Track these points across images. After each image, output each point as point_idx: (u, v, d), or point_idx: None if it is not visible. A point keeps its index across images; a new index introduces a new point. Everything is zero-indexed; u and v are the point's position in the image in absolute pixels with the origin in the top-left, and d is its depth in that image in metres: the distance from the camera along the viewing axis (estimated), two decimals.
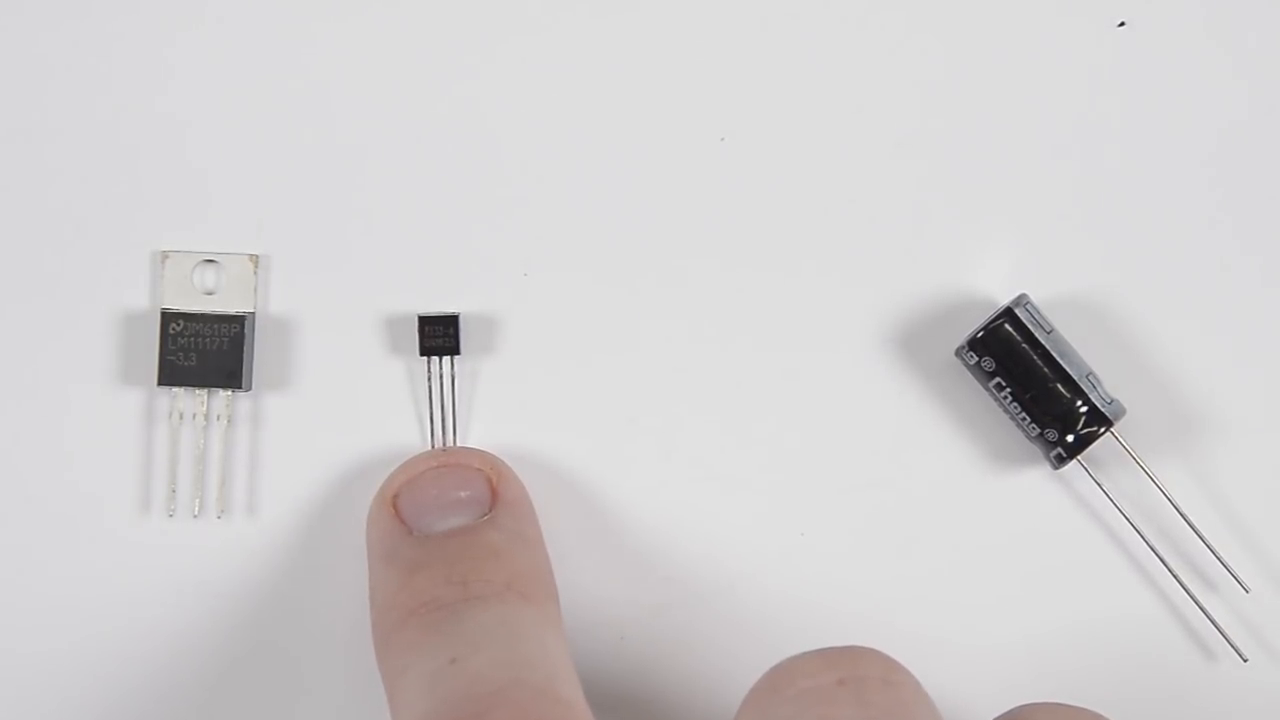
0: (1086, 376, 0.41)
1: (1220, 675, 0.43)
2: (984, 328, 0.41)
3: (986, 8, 0.43)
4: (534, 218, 0.43)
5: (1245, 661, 0.42)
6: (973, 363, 0.42)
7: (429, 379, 0.43)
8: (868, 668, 0.35)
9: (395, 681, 0.38)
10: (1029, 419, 0.41)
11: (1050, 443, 0.41)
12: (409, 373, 0.43)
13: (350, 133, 0.43)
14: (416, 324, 0.42)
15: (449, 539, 0.40)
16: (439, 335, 0.42)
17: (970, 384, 0.42)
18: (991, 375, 0.41)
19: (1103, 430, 0.41)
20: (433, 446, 0.42)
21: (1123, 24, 0.43)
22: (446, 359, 0.42)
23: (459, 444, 0.43)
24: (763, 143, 0.43)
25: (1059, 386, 0.41)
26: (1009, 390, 0.41)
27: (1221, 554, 0.42)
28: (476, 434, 0.43)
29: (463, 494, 0.41)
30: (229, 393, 0.42)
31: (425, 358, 0.42)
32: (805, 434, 0.43)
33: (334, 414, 0.43)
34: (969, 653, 0.43)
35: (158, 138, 0.43)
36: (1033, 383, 0.41)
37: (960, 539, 0.43)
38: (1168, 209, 0.43)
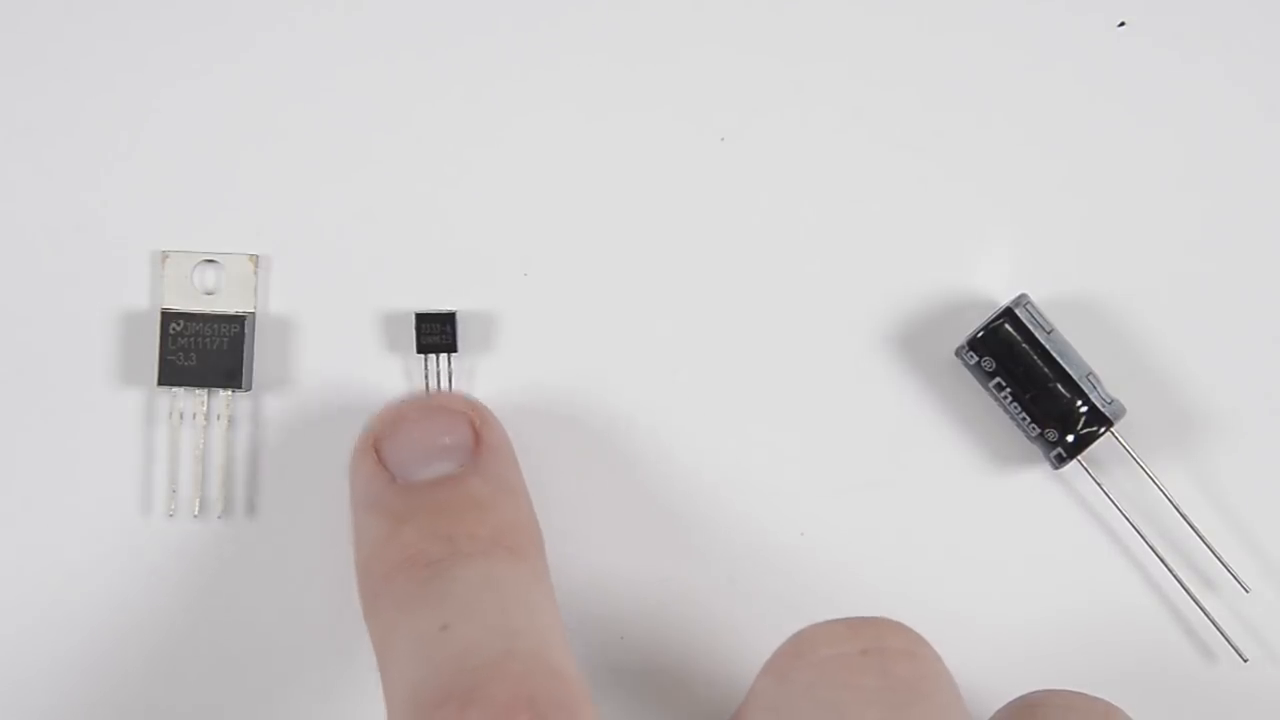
0: (1086, 376, 0.41)
1: (1220, 675, 0.43)
2: (984, 328, 0.41)
3: (987, 8, 0.43)
4: (534, 218, 0.43)
5: (1245, 661, 0.42)
6: (973, 363, 0.42)
7: (426, 377, 0.43)
8: (891, 639, 0.36)
9: (385, 641, 0.37)
10: (1029, 419, 0.41)
11: (1050, 443, 0.41)
12: (409, 372, 0.43)
13: (350, 133, 0.43)
14: (413, 322, 0.42)
15: (434, 489, 0.39)
16: (436, 333, 0.42)
17: (970, 384, 0.42)
18: (991, 375, 0.41)
19: (1103, 430, 0.41)
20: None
21: (1123, 24, 0.43)
22: (444, 357, 0.42)
23: None
24: (763, 143, 0.43)
25: (1059, 386, 0.41)
26: (1009, 390, 0.41)
27: (1221, 554, 0.42)
28: None
29: (446, 440, 0.40)
30: (229, 393, 0.42)
31: (422, 356, 0.42)
32: (805, 434, 0.43)
33: (334, 414, 0.43)
34: (969, 653, 0.43)
35: (158, 138, 0.43)
36: (1033, 383, 0.41)
37: (960, 539, 0.43)
38: (1168, 209, 0.43)
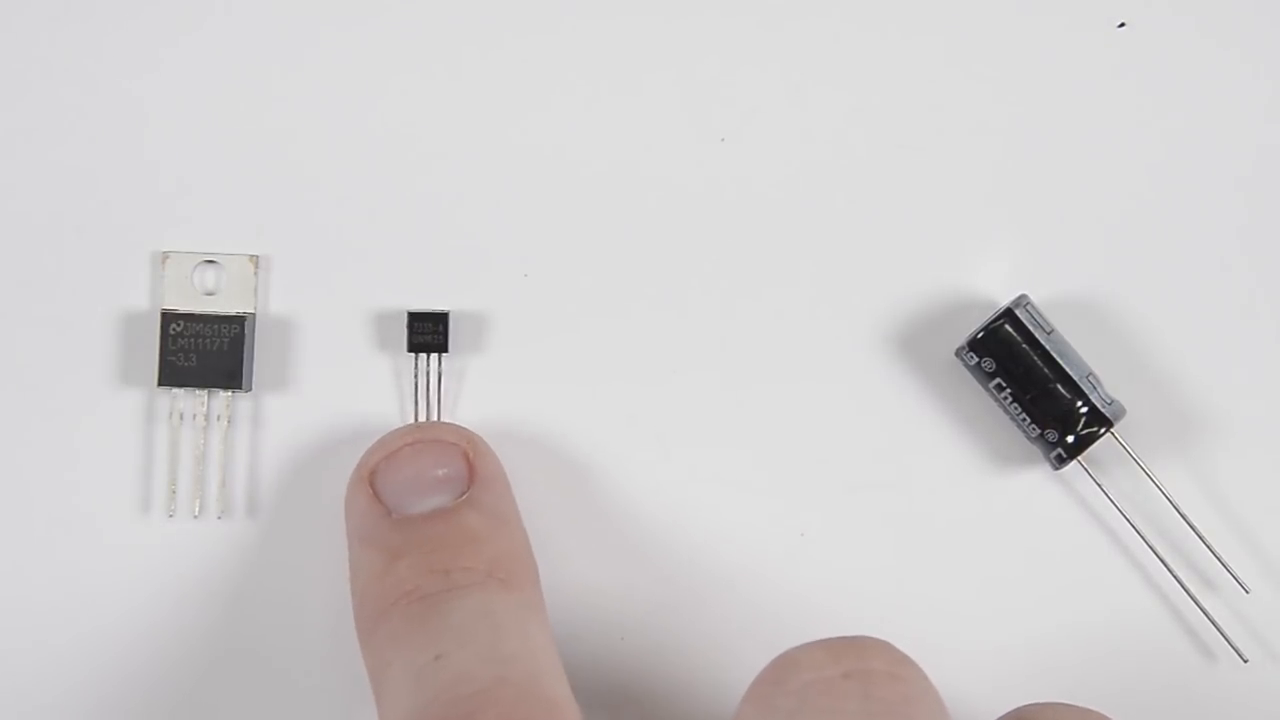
0: (1087, 377, 0.41)
1: (1220, 675, 0.43)
2: (984, 328, 0.41)
3: (987, 8, 0.43)
4: (533, 218, 0.43)
5: (1245, 662, 0.42)
6: (973, 363, 0.42)
7: (415, 376, 0.43)
8: (874, 660, 0.35)
9: (380, 674, 0.37)
10: (1029, 420, 0.41)
11: (1050, 443, 0.41)
12: (399, 371, 0.43)
13: (350, 133, 0.43)
14: (406, 320, 0.42)
15: (429, 523, 0.39)
16: (428, 332, 0.42)
17: (970, 385, 0.42)
18: (992, 376, 0.41)
19: (1103, 431, 0.41)
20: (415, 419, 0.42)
21: (1123, 24, 0.43)
22: (434, 357, 0.42)
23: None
24: (763, 143, 0.43)
25: (1059, 387, 0.41)
26: (1009, 391, 0.41)
27: (1221, 554, 0.42)
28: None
29: (440, 472, 0.40)
30: (229, 393, 0.42)
31: (412, 355, 0.42)
32: (805, 434, 0.43)
33: (334, 414, 0.43)
34: (968, 653, 0.43)
35: (158, 139, 0.43)
36: (1033, 383, 0.41)
37: (960, 539, 0.43)
38: (1167, 209, 0.43)
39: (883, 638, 0.36)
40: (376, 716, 0.37)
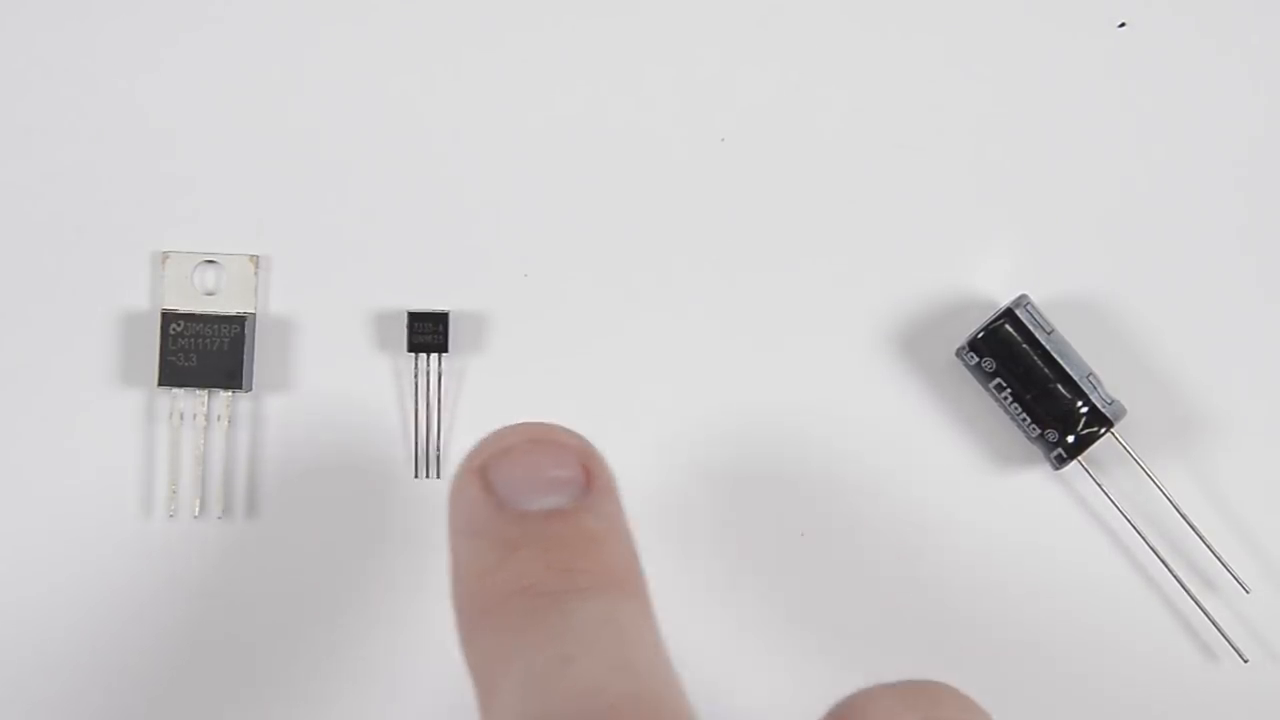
0: (1087, 377, 0.41)
1: (1220, 675, 0.43)
2: (984, 328, 0.41)
3: (987, 9, 0.43)
4: (533, 218, 0.43)
5: (1245, 662, 0.42)
6: (973, 363, 0.42)
7: (415, 376, 0.43)
8: (947, 708, 0.34)
9: (490, 668, 0.35)
10: (1029, 419, 0.41)
11: (1051, 443, 0.41)
12: (398, 371, 0.43)
13: (350, 133, 0.43)
14: (406, 320, 0.42)
15: (547, 520, 0.37)
16: (428, 332, 0.42)
17: (971, 384, 0.42)
18: (992, 376, 0.41)
19: (1103, 431, 0.41)
20: (415, 443, 0.42)
21: (1123, 24, 0.43)
22: (434, 356, 0.42)
23: (443, 441, 0.42)
24: (763, 143, 0.43)
25: (1059, 387, 0.41)
26: (1009, 391, 0.41)
27: (1221, 554, 0.42)
28: (462, 434, 0.42)
29: (558, 473, 0.38)
30: (229, 393, 0.42)
31: (412, 354, 0.42)
32: (806, 434, 0.43)
33: (334, 414, 0.43)
34: (969, 652, 0.43)
35: (158, 139, 0.43)
36: (1033, 383, 0.41)
37: (960, 539, 0.43)
38: (1167, 209, 0.43)
39: (950, 683, 0.35)
40: (479, 712, 0.36)
